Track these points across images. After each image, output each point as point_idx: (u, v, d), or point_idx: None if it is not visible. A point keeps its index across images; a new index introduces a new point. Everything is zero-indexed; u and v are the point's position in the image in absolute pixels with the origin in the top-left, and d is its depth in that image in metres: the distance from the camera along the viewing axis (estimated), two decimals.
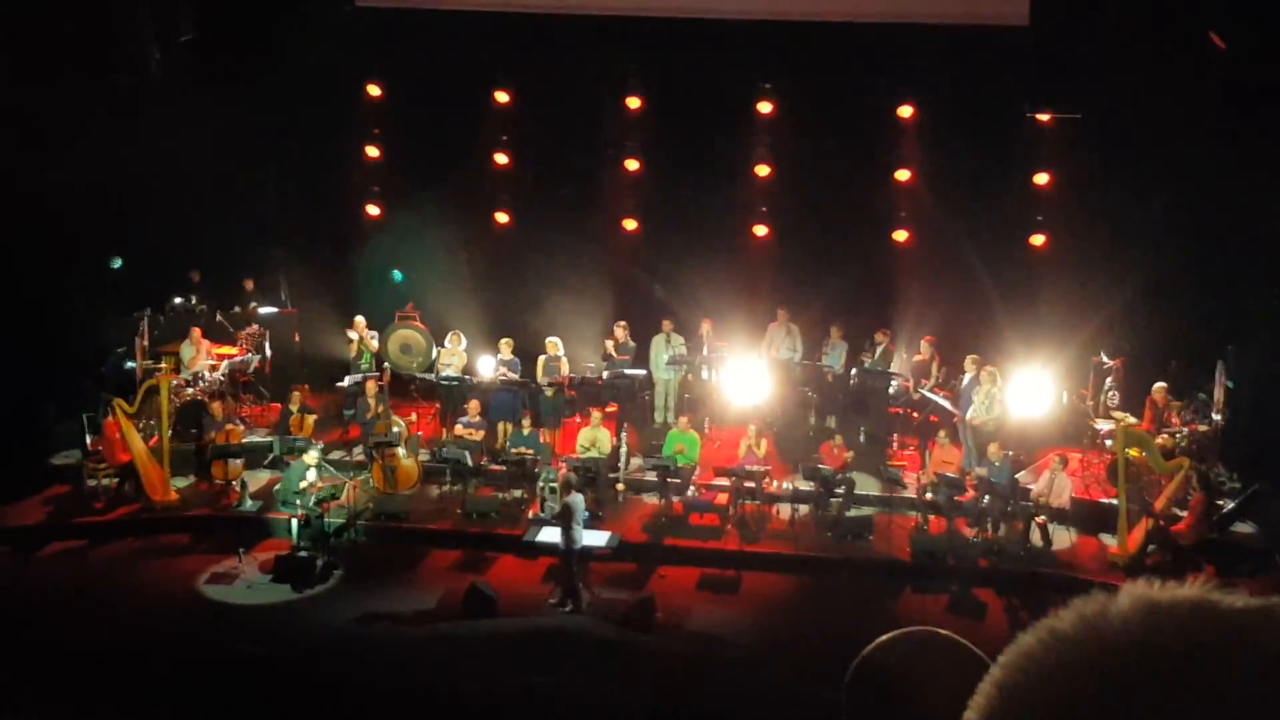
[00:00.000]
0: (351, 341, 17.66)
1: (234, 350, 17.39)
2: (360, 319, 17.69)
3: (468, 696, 11.04)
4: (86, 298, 17.40)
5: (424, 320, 17.93)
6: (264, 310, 18.48)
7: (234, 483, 15.48)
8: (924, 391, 16.24)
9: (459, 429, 16.11)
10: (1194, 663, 0.91)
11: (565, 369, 16.84)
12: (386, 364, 17.42)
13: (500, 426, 16.34)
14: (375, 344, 17.62)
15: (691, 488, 15.30)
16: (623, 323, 17.41)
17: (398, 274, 19.44)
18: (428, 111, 18.28)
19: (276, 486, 15.17)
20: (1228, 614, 0.94)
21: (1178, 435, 15.08)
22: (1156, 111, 15.52)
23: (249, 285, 18.84)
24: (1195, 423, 15.26)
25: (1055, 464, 14.57)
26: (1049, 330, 16.57)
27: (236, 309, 18.29)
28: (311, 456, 14.59)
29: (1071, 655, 0.94)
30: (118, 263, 18.07)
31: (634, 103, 18.08)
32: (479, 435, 15.97)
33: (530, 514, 14.75)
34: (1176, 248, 16.03)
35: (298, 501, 14.07)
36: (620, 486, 15.47)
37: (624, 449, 15.69)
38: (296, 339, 18.69)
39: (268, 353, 17.83)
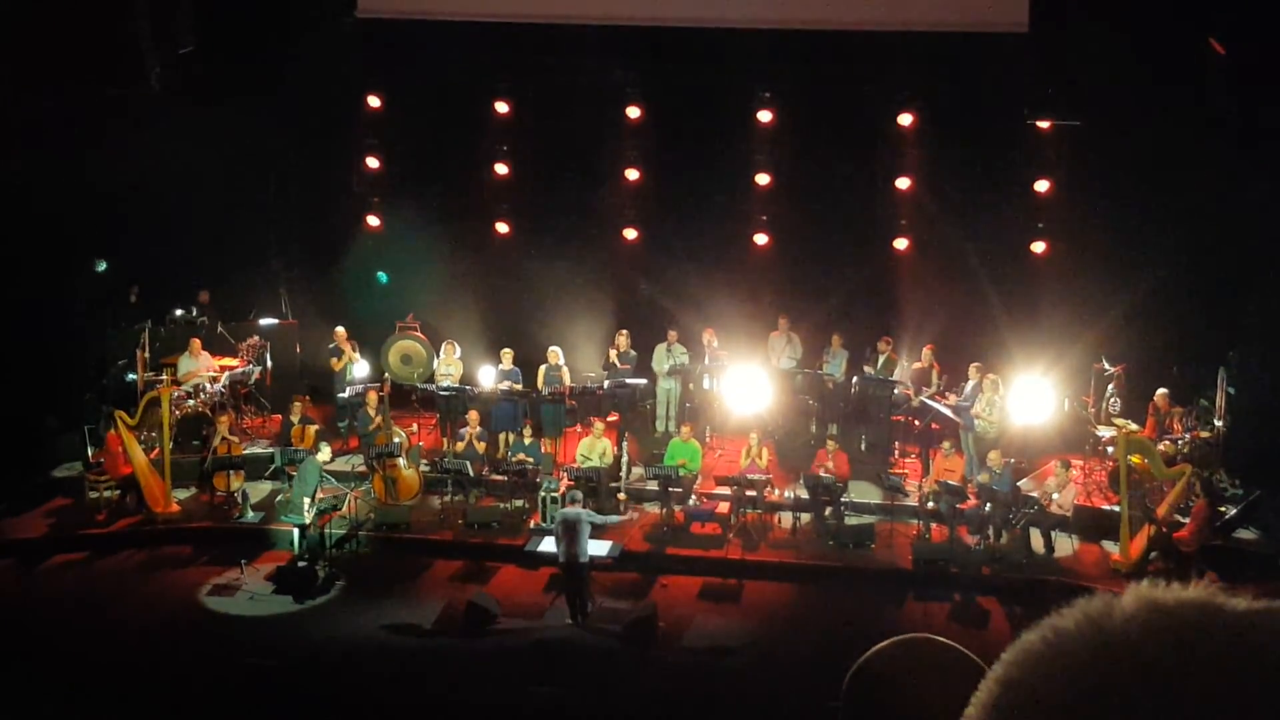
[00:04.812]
0: (337, 357, 17.32)
1: (235, 362, 17.37)
2: (341, 330, 17.52)
3: (469, 707, 11.04)
4: (87, 310, 17.40)
5: (424, 331, 17.92)
6: (264, 322, 18.45)
7: (235, 494, 15.48)
8: (924, 399, 16.23)
9: (461, 445, 16.07)
10: (1196, 664, 0.90)
11: (566, 379, 16.83)
12: (387, 375, 17.39)
13: (502, 437, 16.33)
14: (357, 354, 17.42)
15: (693, 497, 15.31)
16: (625, 331, 17.39)
17: (383, 275, 19.32)
18: (428, 122, 18.30)
19: (280, 497, 15.18)
20: (1231, 616, 0.93)
21: (1180, 442, 15.07)
22: (1157, 117, 15.54)
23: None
24: (1197, 429, 15.27)
25: (1059, 468, 14.57)
26: (1050, 337, 16.54)
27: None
28: (325, 454, 14.65)
29: (1074, 653, 0.94)
30: (102, 265, 17.99)
31: (634, 112, 18.08)
32: (481, 446, 15.96)
33: (531, 524, 14.75)
34: (1178, 254, 16.02)
35: (305, 505, 14.02)
36: (622, 496, 15.46)
37: (625, 458, 15.68)
38: (297, 350, 18.65)
39: (268, 364, 17.83)
